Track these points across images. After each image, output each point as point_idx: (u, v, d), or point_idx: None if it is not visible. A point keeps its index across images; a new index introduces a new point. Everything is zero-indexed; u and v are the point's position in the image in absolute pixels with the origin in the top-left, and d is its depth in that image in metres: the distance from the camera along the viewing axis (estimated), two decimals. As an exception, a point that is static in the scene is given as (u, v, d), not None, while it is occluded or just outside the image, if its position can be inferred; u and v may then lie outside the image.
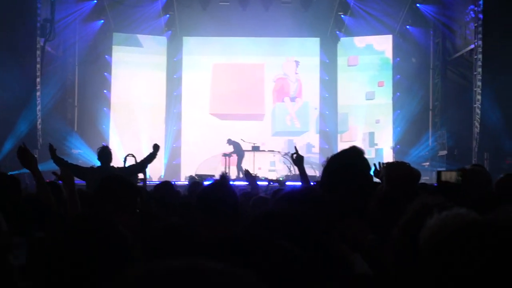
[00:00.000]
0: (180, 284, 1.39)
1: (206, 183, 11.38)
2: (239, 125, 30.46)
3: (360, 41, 30.68)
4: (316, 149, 30.86)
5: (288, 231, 2.50)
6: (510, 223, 2.34)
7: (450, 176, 5.45)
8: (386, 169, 5.73)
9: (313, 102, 31.26)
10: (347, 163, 4.14)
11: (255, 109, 31.26)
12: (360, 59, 30.78)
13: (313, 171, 27.21)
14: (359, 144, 29.11)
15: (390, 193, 4.67)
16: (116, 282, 1.42)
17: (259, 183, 16.06)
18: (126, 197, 4.83)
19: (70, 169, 10.07)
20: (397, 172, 5.66)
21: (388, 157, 27.54)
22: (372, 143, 29.69)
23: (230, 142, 26.69)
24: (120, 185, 4.95)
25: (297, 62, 31.29)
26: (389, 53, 30.20)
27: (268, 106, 31.35)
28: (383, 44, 30.30)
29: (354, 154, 4.24)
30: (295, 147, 7.57)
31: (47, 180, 6.46)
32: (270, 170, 28.23)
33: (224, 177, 4.79)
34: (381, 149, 28.90)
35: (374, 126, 30.18)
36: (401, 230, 2.75)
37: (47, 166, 22.35)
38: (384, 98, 30.08)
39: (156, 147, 11.69)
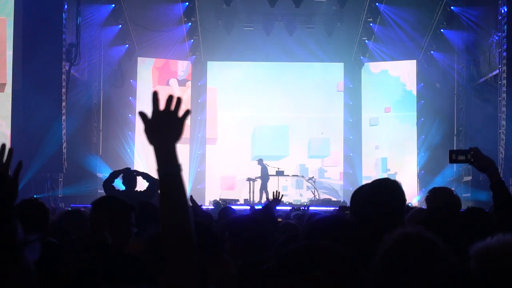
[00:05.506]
0: None
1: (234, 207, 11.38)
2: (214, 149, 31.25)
3: (375, 67, 30.81)
4: (328, 174, 30.92)
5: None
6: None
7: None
8: (429, 193, 5.79)
9: (305, 127, 31.31)
10: (381, 197, 4.02)
11: (209, 133, 31.62)
12: (368, 84, 30.98)
13: (335, 195, 27.39)
14: (371, 169, 29.36)
15: (430, 217, 4.64)
16: None
17: (282, 208, 16.04)
18: (120, 216, 4.89)
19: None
20: (437, 197, 5.70)
21: (404, 182, 27.39)
22: (384, 169, 29.68)
23: (260, 163, 26.68)
24: (112, 205, 5.01)
25: None
26: (404, 79, 30.32)
27: (234, 130, 31.43)
28: (398, 70, 30.46)
29: (389, 187, 4.14)
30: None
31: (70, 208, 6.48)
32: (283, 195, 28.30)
33: (268, 206, 4.90)
34: (394, 174, 28.63)
35: (375, 152, 30.48)
36: (380, 260, 2.73)
37: (72, 191, 22.56)
38: (389, 124, 30.25)
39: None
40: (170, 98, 2.68)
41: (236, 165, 30.30)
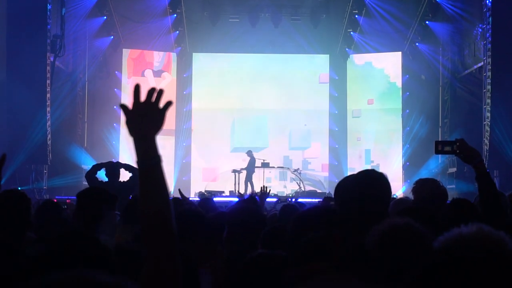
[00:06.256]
0: None
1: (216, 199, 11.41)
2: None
3: (359, 59, 30.85)
4: (312, 166, 30.94)
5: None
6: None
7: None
8: (415, 184, 5.82)
9: (288, 118, 31.21)
10: (366, 189, 3.96)
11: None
12: (353, 76, 31.05)
13: (319, 187, 27.40)
14: (355, 161, 29.41)
15: (416, 208, 4.64)
16: None
17: (267, 199, 16.08)
18: (105, 206, 4.94)
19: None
20: (424, 188, 5.73)
21: (388, 173, 27.36)
22: (368, 160, 29.76)
23: (249, 154, 26.63)
24: (97, 196, 5.04)
25: None
26: (388, 71, 30.35)
27: (214, 122, 31.28)
28: (382, 62, 30.44)
29: (375, 179, 4.09)
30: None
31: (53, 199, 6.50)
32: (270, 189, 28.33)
33: (253, 198, 5.00)
34: (377, 166, 28.63)
35: (359, 144, 30.59)
36: (369, 251, 2.74)
37: (57, 182, 22.46)
38: (372, 116, 30.35)
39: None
40: (151, 90, 2.70)
41: (216, 157, 30.27)
